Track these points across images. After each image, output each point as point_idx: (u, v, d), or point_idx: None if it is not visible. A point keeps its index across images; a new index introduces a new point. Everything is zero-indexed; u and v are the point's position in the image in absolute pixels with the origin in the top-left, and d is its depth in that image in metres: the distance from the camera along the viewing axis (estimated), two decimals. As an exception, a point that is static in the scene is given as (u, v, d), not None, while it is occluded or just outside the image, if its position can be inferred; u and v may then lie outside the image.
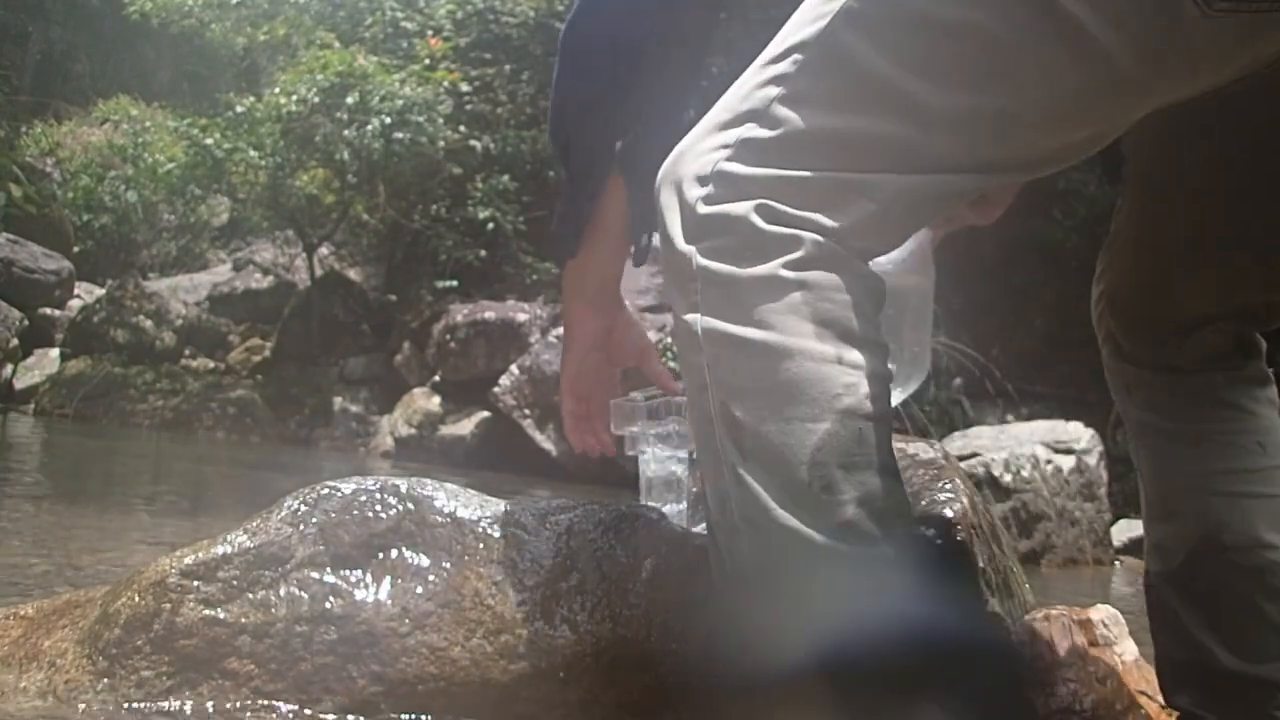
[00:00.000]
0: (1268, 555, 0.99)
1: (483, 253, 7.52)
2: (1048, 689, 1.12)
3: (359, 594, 1.07)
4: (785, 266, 0.74)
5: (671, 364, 1.15)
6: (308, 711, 1.02)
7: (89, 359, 7.62)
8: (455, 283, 7.43)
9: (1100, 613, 1.19)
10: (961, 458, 4.04)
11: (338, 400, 7.29)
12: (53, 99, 13.22)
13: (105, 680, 1.03)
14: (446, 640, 1.05)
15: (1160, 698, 1.09)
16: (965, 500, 1.13)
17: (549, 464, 5.75)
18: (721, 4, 1.12)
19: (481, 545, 1.10)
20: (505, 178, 7.57)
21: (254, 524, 1.12)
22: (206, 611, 1.04)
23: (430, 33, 8.21)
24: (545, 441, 5.85)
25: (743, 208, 0.76)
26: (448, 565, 1.09)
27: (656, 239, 0.87)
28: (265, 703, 1.02)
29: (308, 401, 7.30)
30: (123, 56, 14.25)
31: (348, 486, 1.14)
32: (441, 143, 7.43)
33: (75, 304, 8.86)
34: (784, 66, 0.79)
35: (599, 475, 5.12)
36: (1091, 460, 4.32)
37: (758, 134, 0.78)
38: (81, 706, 1.00)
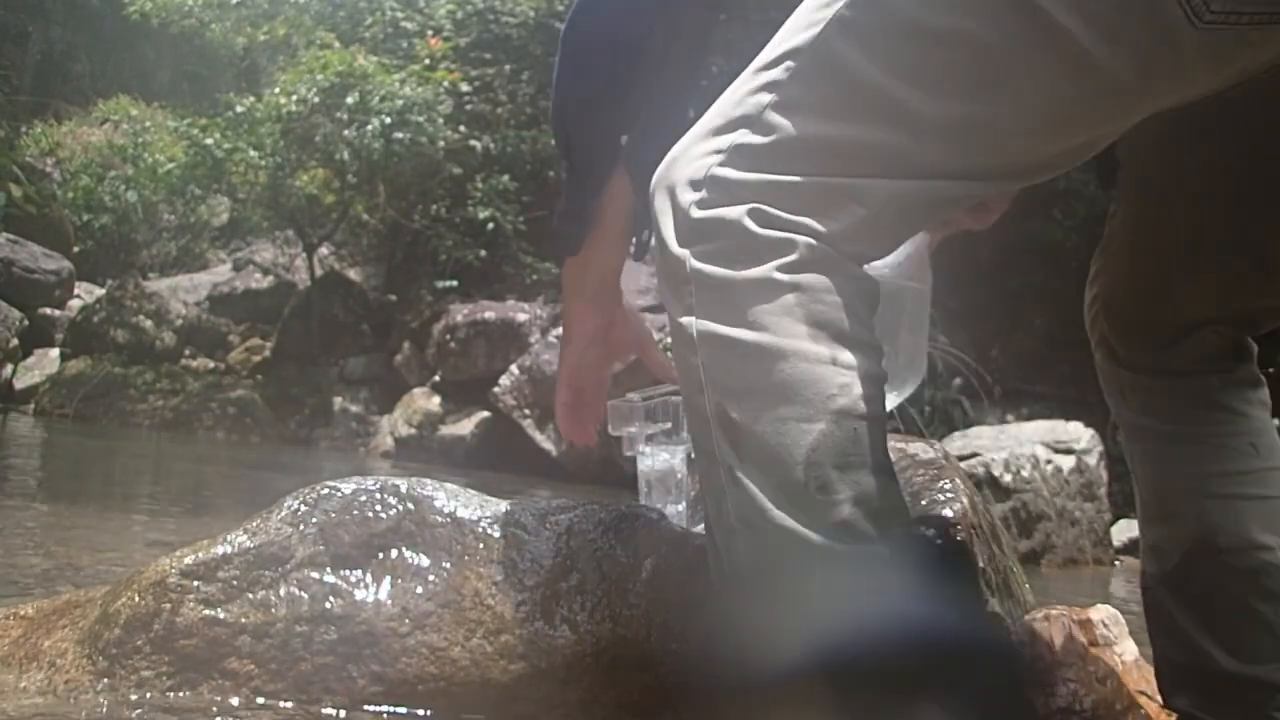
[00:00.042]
0: (1262, 557, 0.99)
1: (483, 253, 7.52)
2: (1048, 689, 1.12)
3: (359, 594, 1.07)
4: (779, 269, 0.75)
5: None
6: (308, 711, 1.02)
7: (89, 359, 7.61)
8: (455, 283, 7.43)
9: (1100, 613, 1.19)
10: (961, 458, 4.04)
11: (338, 400, 7.29)
12: (53, 99, 13.22)
13: (105, 680, 1.03)
14: (446, 640, 1.05)
15: (1160, 698, 1.09)
16: (965, 500, 1.14)
17: (549, 464, 5.75)
18: (721, 4, 1.13)
19: (481, 545, 1.10)
20: (505, 178, 7.57)
21: (254, 524, 1.12)
22: (206, 611, 1.05)
23: (430, 33, 8.21)
24: (545, 441, 5.85)
25: (736, 212, 0.76)
26: (448, 565, 1.09)
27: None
28: (265, 702, 1.02)
29: (308, 401, 7.30)
30: (123, 56, 14.24)
31: (348, 486, 1.14)
32: (441, 143, 7.43)
33: (75, 304, 8.85)
34: (777, 73, 0.79)
35: (599, 475, 5.13)
36: (1091, 460, 4.33)
37: (750, 140, 0.78)
38: (82, 707, 1.01)
